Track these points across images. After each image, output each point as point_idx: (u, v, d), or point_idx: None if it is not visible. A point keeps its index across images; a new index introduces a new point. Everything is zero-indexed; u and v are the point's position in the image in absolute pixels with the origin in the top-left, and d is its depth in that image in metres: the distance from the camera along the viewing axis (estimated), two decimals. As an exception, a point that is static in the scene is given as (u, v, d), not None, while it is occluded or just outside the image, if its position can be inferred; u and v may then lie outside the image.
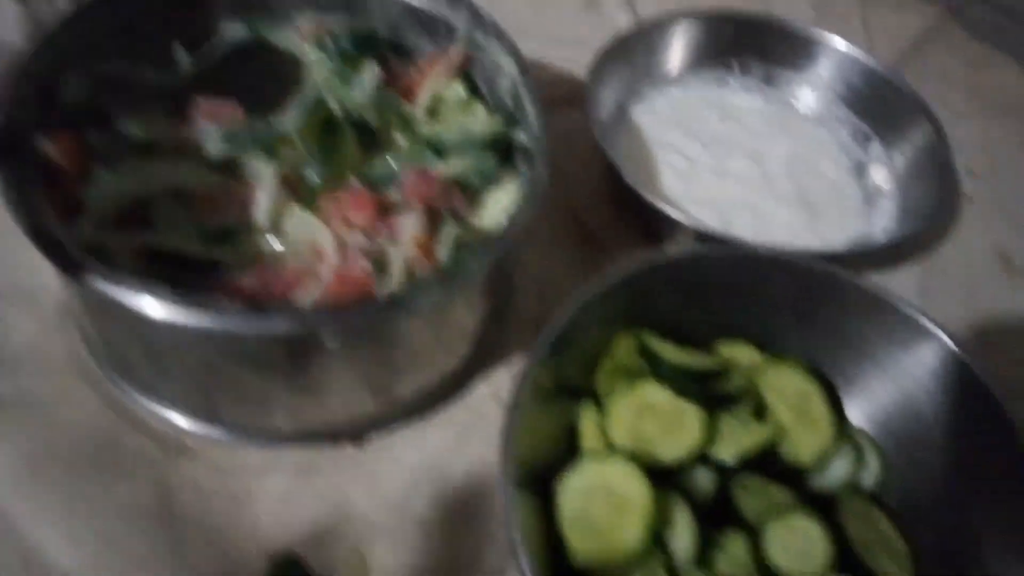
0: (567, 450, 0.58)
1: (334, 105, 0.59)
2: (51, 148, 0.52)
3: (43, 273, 0.62)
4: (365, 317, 0.45)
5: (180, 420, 0.58)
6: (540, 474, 0.54)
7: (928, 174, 0.75)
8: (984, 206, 0.86)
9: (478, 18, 0.63)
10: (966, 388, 0.56)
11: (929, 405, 0.58)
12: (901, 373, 0.59)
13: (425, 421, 0.63)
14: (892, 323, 0.58)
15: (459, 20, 0.64)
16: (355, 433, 0.61)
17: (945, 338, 0.57)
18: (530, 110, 0.57)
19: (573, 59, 0.81)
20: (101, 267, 0.45)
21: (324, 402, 0.57)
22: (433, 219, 0.56)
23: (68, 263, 0.45)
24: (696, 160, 0.79)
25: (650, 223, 0.73)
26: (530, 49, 0.91)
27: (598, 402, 0.59)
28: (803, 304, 0.61)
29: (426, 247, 0.54)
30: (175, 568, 0.53)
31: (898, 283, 0.76)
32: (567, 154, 0.82)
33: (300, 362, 0.50)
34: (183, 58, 0.63)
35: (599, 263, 0.74)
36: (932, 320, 0.57)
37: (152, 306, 0.44)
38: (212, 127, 0.57)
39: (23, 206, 0.46)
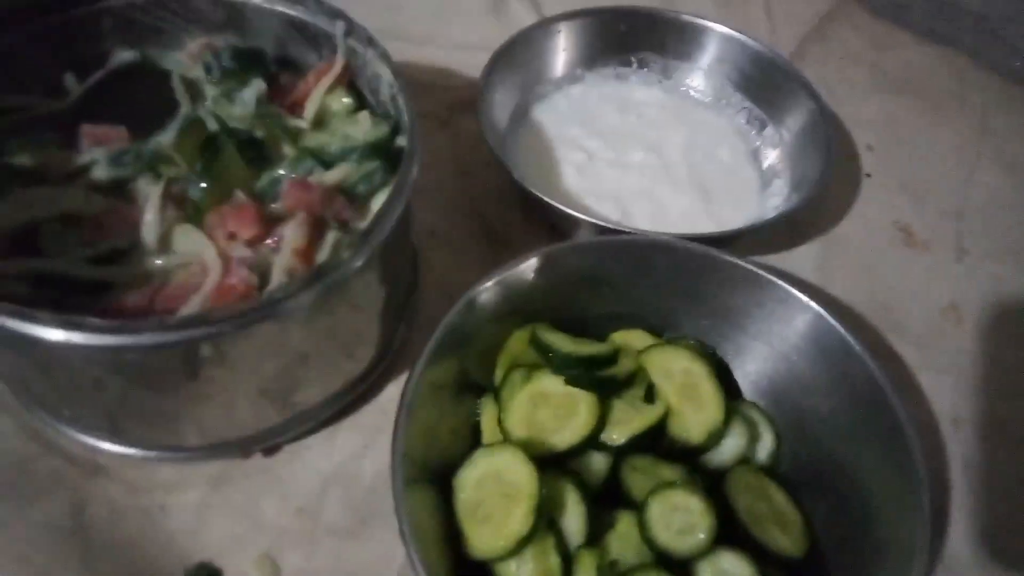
0: (473, 445, 0.60)
1: (211, 122, 0.60)
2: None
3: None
4: (232, 322, 0.47)
5: (91, 441, 0.59)
6: (445, 470, 0.56)
7: (815, 152, 0.77)
8: (884, 180, 0.89)
9: (353, 29, 0.65)
10: (839, 354, 0.58)
11: (811, 375, 0.60)
12: (784, 345, 0.61)
13: (335, 426, 0.64)
14: (768, 297, 0.61)
15: (336, 31, 0.65)
16: (266, 443, 0.62)
17: (816, 307, 0.59)
18: (405, 113, 0.59)
19: (479, 64, 0.82)
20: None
21: (229, 414, 0.58)
22: (318, 227, 0.58)
23: (-51, 294, 0.47)
24: (596, 154, 0.81)
25: (552, 221, 0.75)
26: (436, 56, 0.94)
27: (498, 396, 0.61)
28: (689, 286, 0.63)
29: (305, 254, 0.55)
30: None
31: (797, 261, 0.79)
32: (472, 158, 0.84)
33: (187, 374, 0.51)
34: (72, 84, 0.65)
35: (507, 261, 0.76)
36: (801, 290, 0.60)
37: (31, 328, 0.45)
38: (99, 150, 0.59)
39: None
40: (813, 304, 0.59)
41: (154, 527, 0.58)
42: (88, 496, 0.59)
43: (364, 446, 0.63)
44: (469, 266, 0.75)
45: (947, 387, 0.71)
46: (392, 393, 0.67)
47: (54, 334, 0.45)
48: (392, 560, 0.58)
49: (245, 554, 0.57)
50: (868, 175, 0.89)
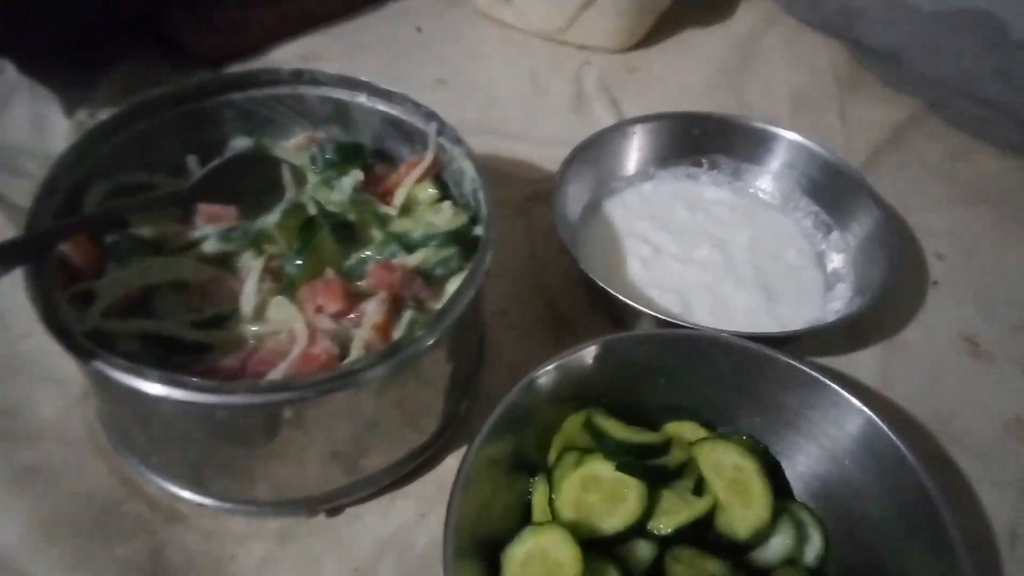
0: (524, 522, 0.62)
1: (311, 207, 0.67)
2: (70, 251, 0.61)
3: (69, 358, 0.71)
4: (312, 389, 0.52)
5: (174, 488, 0.64)
6: (495, 544, 0.58)
7: (880, 260, 0.79)
8: (952, 290, 0.89)
9: (444, 128, 0.72)
10: (892, 461, 0.59)
11: (862, 481, 0.61)
12: (836, 448, 0.62)
13: (395, 493, 0.68)
14: (821, 399, 0.62)
15: (429, 130, 0.72)
16: (330, 503, 0.66)
17: (868, 412, 0.60)
18: (484, 207, 0.65)
19: (558, 158, 0.88)
20: (101, 351, 0.53)
21: (300, 473, 0.62)
22: (397, 305, 0.63)
23: (75, 348, 0.53)
24: (662, 248, 0.84)
25: (614, 311, 0.79)
26: (520, 150, 1.01)
27: (551, 477, 0.63)
28: (744, 383, 0.65)
29: (383, 329, 0.60)
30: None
31: (858, 365, 0.79)
32: (545, 246, 0.89)
33: (269, 433, 0.56)
34: (193, 166, 0.73)
35: (570, 347, 0.80)
36: (857, 394, 0.61)
37: (139, 382, 0.52)
38: (211, 227, 0.66)
39: (42, 301, 0.55)
40: (866, 409, 0.60)
41: (223, 575, 0.63)
42: (166, 540, 0.64)
43: (420, 515, 0.67)
44: (533, 348, 0.79)
45: (1008, 502, 0.70)
46: (450, 465, 0.70)
47: (158, 389, 0.51)
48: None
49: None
50: (935, 283, 0.89)
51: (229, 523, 0.65)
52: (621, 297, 0.72)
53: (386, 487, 0.67)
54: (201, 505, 0.64)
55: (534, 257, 0.88)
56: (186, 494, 0.64)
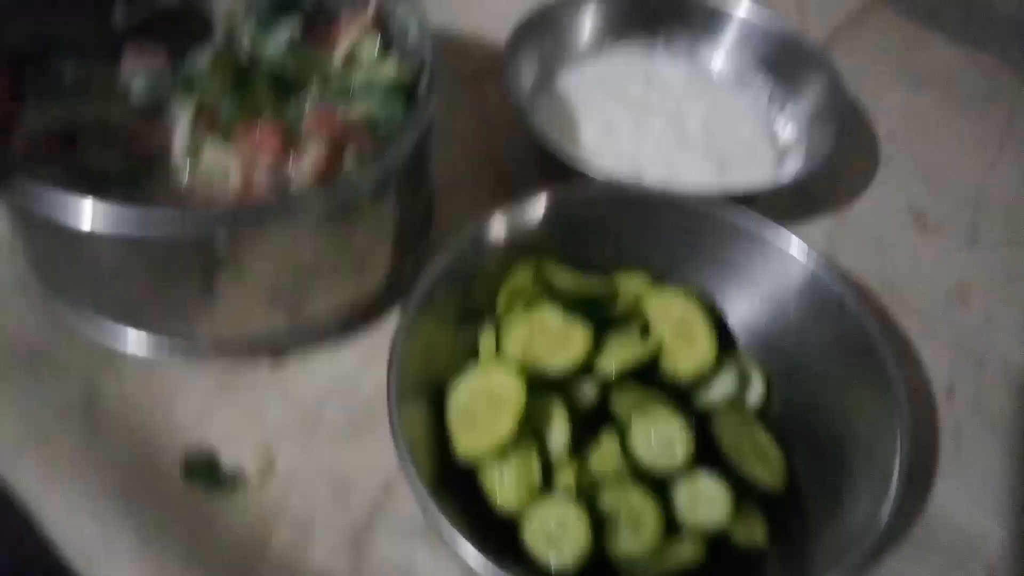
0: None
1: (244, 50, 0.64)
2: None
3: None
4: (248, 215, 0.50)
5: (108, 330, 0.63)
6: (441, 388, 0.58)
7: (832, 130, 0.78)
8: (902, 167, 0.89)
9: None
10: (833, 309, 0.60)
11: (803, 326, 0.62)
12: (779, 297, 0.63)
13: (340, 342, 0.67)
14: (765, 252, 0.63)
15: (372, -22, 0.69)
16: (273, 349, 0.65)
17: (814, 263, 0.61)
18: (428, 57, 0.62)
19: (504, 30, 0.84)
20: (21, 178, 0.50)
21: (240, 315, 0.61)
22: (339, 154, 0.61)
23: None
24: (616, 121, 0.83)
25: (566, 176, 0.77)
26: (468, 20, 0.96)
27: (499, 324, 0.63)
28: (692, 239, 0.65)
29: (324, 175, 0.58)
30: (98, 461, 0.59)
31: (808, 234, 0.79)
32: (497, 119, 0.87)
33: (207, 269, 0.54)
34: (121, 9, 0.69)
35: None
36: (797, 246, 0.62)
37: (65, 211, 0.49)
38: (140, 69, 0.63)
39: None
40: (812, 260, 0.61)
41: (160, 418, 0.62)
42: (101, 384, 0.63)
43: (367, 361, 0.66)
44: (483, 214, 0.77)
45: (947, 359, 0.72)
46: (397, 318, 0.69)
47: (83, 219, 0.49)
48: (382, 467, 0.60)
49: (243, 444, 0.61)
50: (886, 160, 0.90)
51: (167, 369, 0.64)
52: (573, 157, 0.70)
53: (331, 335, 0.66)
54: (137, 346, 0.63)
55: (487, 130, 0.86)
56: (121, 336, 0.62)
